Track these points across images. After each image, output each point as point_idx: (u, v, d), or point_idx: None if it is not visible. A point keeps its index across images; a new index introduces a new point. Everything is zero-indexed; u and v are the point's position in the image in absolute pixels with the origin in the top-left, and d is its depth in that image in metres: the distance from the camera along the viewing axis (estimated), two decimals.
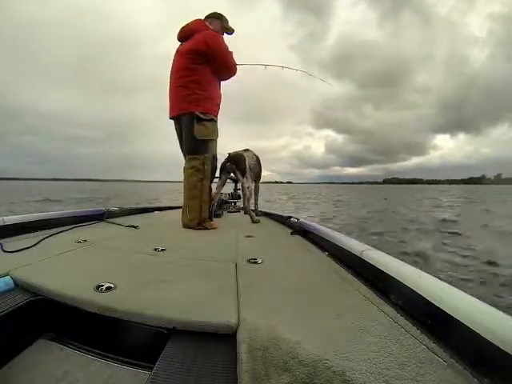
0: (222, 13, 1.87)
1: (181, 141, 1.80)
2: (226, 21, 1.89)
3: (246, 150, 2.04)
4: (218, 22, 1.84)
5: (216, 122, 1.76)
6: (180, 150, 1.84)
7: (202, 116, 1.65)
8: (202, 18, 1.84)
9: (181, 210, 1.77)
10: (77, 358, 0.56)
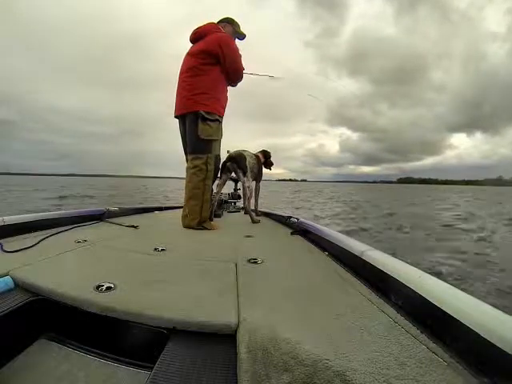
0: (234, 18, 1.92)
1: (184, 141, 1.81)
2: (238, 26, 1.93)
3: (245, 150, 2.05)
4: (230, 27, 1.88)
5: (221, 122, 1.77)
6: (183, 150, 1.86)
7: (206, 116, 1.65)
8: (215, 20, 1.89)
9: (181, 209, 1.76)
10: (77, 357, 0.56)
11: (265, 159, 2.29)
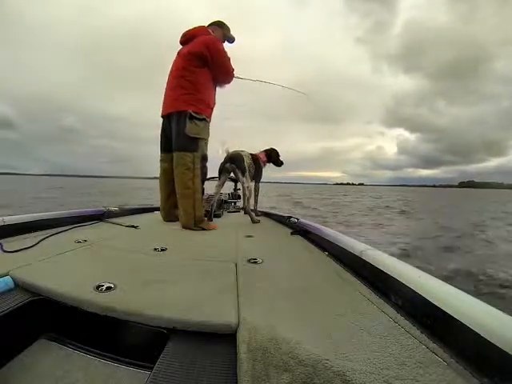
0: (224, 21, 1.96)
1: (165, 139, 1.82)
2: (228, 29, 1.98)
3: (243, 151, 2.05)
4: (219, 30, 1.92)
5: (208, 122, 1.80)
6: (159, 148, 1.88)
7: (194, 115, 1.68)
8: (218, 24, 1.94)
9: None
10: (77, 357, 0.56)
11: (268, 158, 2.29)
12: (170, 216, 1.88)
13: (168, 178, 1.82)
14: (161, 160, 1.89)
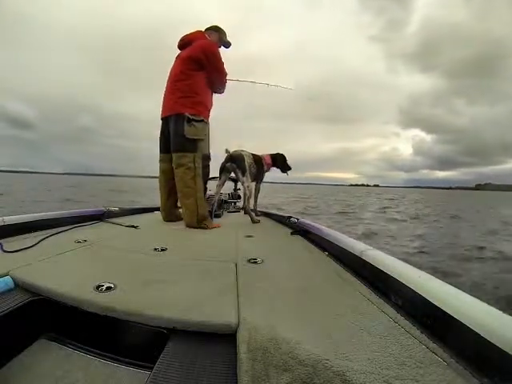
0: (220, 26, 2.02)
1: (164, 140, 1.86)
2: (224, 34, 2.03)
3: (243, 150, 2.05)
4: (216, 34, 1.98)
5: (206, 123, 1.85)
6: (159, 149, 1.93)
7: (191, 117, 1.73)
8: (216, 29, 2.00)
9: (181, 209, 1.79)
10: (77, 357, 0.56)
11: (273, 162, 2.28)
12: (170, 216, 1.91)
13: (167, 178, 1.86)
14: (160, 160, 1.93)
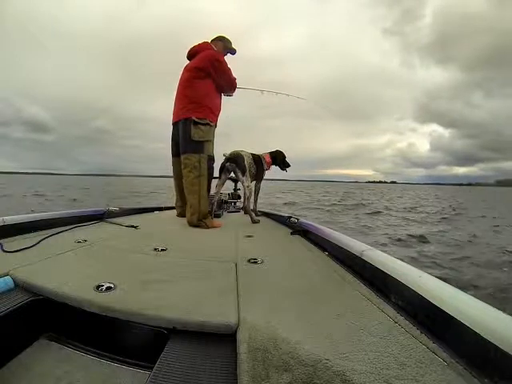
0: (225, 35, 2.17)
1: (175, 145, 2.02)
2: (229, 42, 2.18)
3: (242, 151, 2.06)
4: (221, 44, 2.12)
5: (212, 126, 1.95)
6: (171, 153, 2.11)
7: (197, 120, 1.85)
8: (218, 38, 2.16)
9: None
10: (77, 357, 0.56)
11: (273, 160, 2.29)
12: (182, 213, 2.04)
13: (179, 180, 2.02)
14: (172, 164, 2.12)
